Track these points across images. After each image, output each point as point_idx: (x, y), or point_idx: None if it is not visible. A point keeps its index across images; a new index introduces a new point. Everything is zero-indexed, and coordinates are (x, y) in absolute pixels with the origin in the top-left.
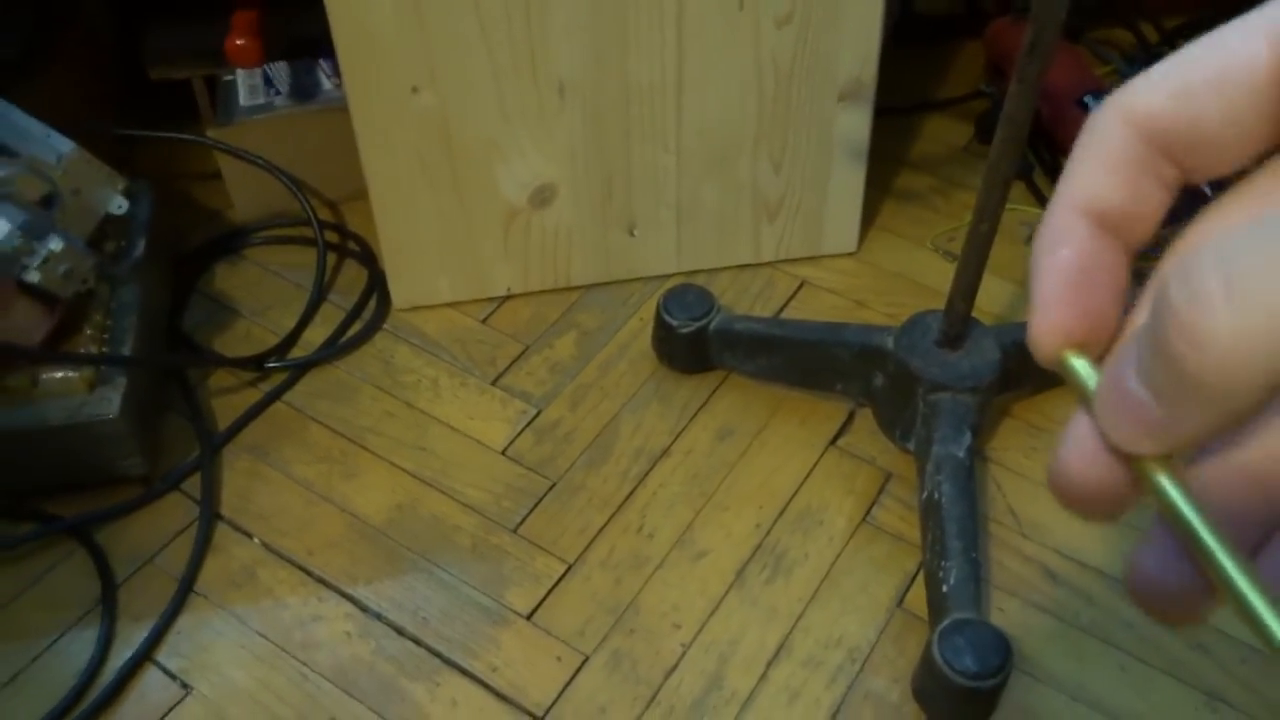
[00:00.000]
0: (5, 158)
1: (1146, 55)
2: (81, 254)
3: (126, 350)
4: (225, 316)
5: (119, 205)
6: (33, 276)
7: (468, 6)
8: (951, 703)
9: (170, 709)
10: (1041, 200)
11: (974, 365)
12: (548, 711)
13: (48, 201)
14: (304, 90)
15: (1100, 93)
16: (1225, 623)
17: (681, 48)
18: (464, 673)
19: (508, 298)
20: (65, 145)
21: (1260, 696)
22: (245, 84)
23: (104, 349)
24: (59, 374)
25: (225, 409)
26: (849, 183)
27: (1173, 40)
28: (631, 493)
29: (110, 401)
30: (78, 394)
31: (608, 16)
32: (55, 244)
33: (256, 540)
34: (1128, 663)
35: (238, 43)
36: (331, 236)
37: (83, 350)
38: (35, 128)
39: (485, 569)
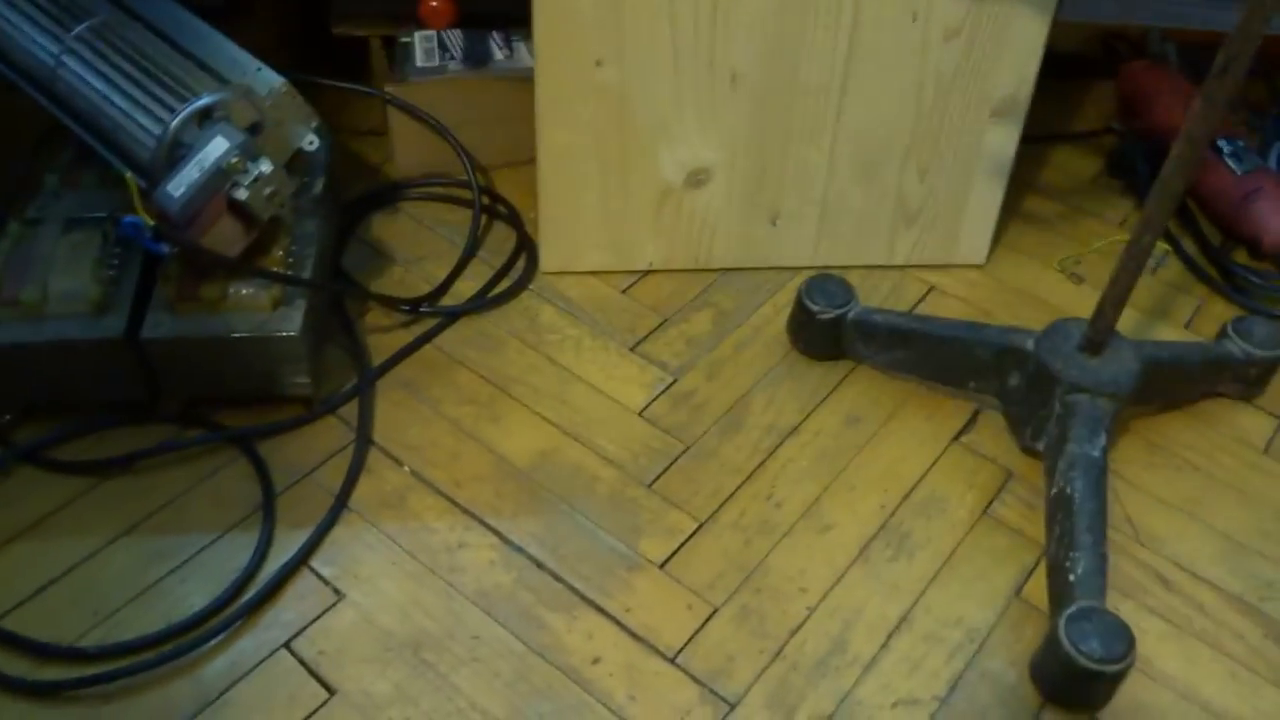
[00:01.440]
0: (221, 83)
1: (1277, 106)
2: (285, 180)
3: (307, 276)
4: (381, 262)
5: (311, 142)
6: (241, 194)
7: None
8: (1073, 685)
9: (326, 610)
10: (1168, 235)
11: (1114, 372)
12: (678, 653)
13: (254, 128)
14: (476, 57)
15: (1232, 138)
16: None
17: (851, 54)
18: (599, 610)
19: (649, 272)
20: (275, 79)
21: None
22: (422, 46)
23: (290, 272)
24: (248, 289)
25: (380, 347)
26: (988, 197)
27: None
28: (762, 463)
29: (292, 320)
30: (263, 310)
31: (789, 16)
32: (265, 166)
33: (407, 468)
34: (1238, 671)
35: (432, 4)
36: (484, 199)
37: (273, 270)
38: (247, 60)
39: (621, 518)
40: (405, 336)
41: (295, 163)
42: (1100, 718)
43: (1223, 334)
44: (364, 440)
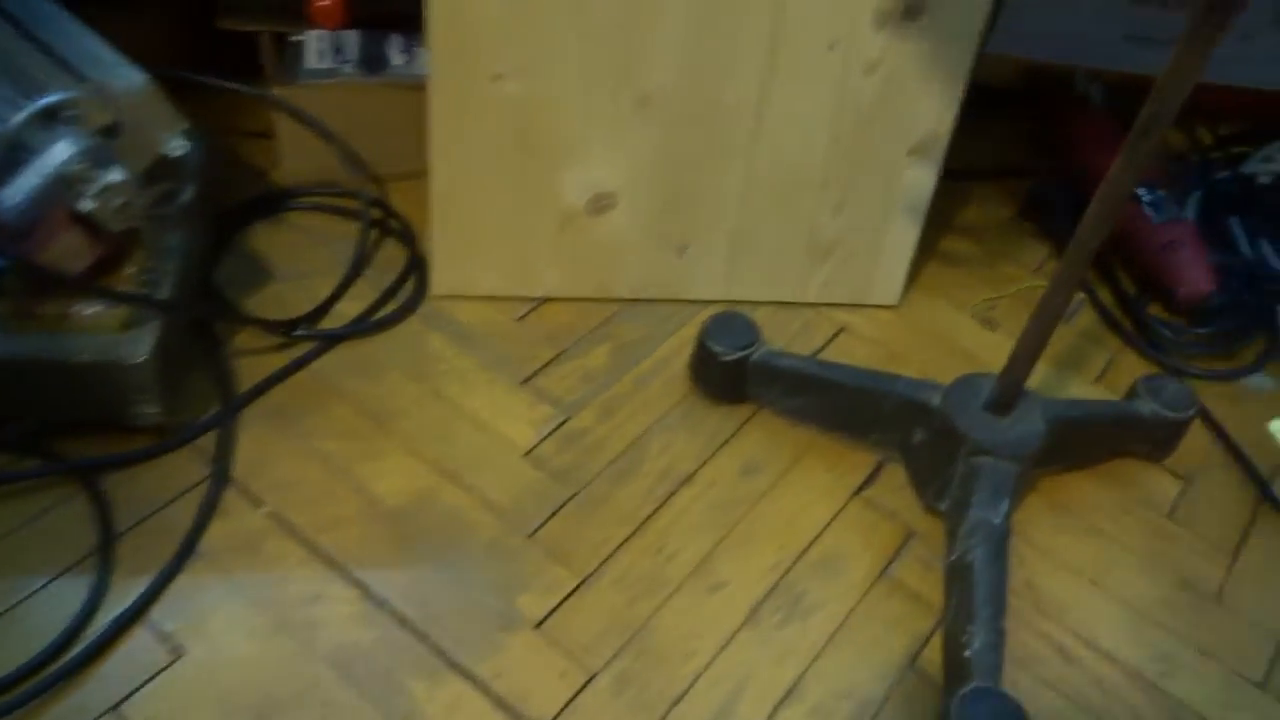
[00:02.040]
0: (74, 79)
1: (1199, 156)
2: (138, 190)
3: (165, 295)
4: (259, 277)
5: (177, 147)
6: (86, 205)
7: (574, 3)
8: None
9: (162, 669)
10: (1084, 284)
11: (1020, 433)
12: None
13: (110, 131)
14: (372, 61)
15: (1153, 186)
16: None
17: (768, 82)
18: (466, 675)
19: (547, 300)
20: (137, 77)
21: None
22: (314, 47)
23: (142, 291)
24: (93, 309)
25: (249, 371)
26: (903, 236)
27: (1225, 145)
28: (653, 513)
29: (141, 344)
30: (110, 331)
31: (705, 40)
32: (115, 175)
33: (266, 509)
34: None
35: (322, 3)
36: (375, 213)
37: (120, 289)
38: (108, 56)
39: (498, 570)
40: (278, 360)
41: (159, 169)
42: None
43: (1133, 393)
44: (221, 477)
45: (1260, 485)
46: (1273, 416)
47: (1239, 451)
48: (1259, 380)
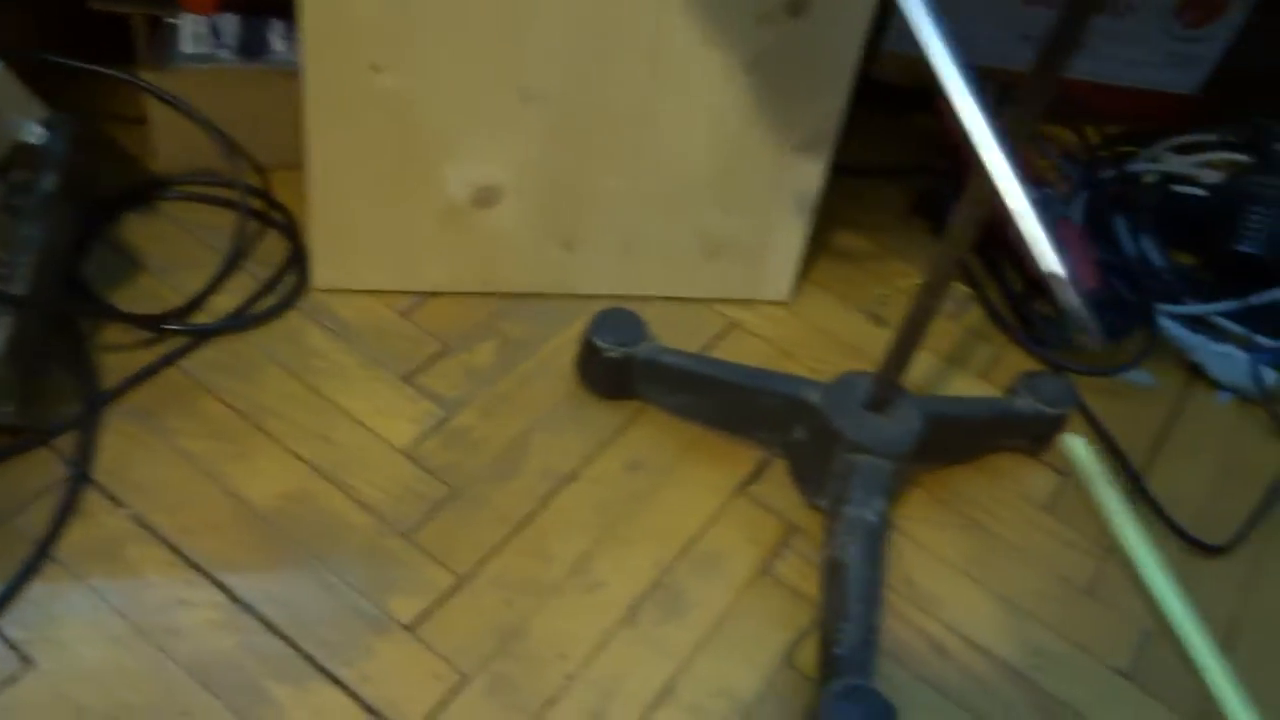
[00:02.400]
0: None
1: (1087, 154)
2: None
3: (20, 289)
4: (129, 270)
5: (35, 134)
6: None
7: None
8: None
9: (8, 682)
10: (972, 280)
11: (897, 432)
12: None
13: None
14: (252, 47)
15: (1040, 185)
16: (1100, 717)
17: (655, 79)
18: (334, 680)
19: (433, 294)
20: None
21: None
22: (190, 30)
23: None
24: None
25: (114, 368)
26: (792, 233)
27: (1112, 145)
28: (533, 513)
29: None
30: None
31: (589, 37)
32: None
33: (128, 511)
34: None
35: None
36: (255, 203)
37: None
38: None
39: (372, 572)
40: (145, 357)
41: (15, 157)
42: None
43: (1013, 389)
44: (79, 478)
45: (1133, 479)
46: (1149, 409)
47: (1115, 446)
48: (1137, 376)
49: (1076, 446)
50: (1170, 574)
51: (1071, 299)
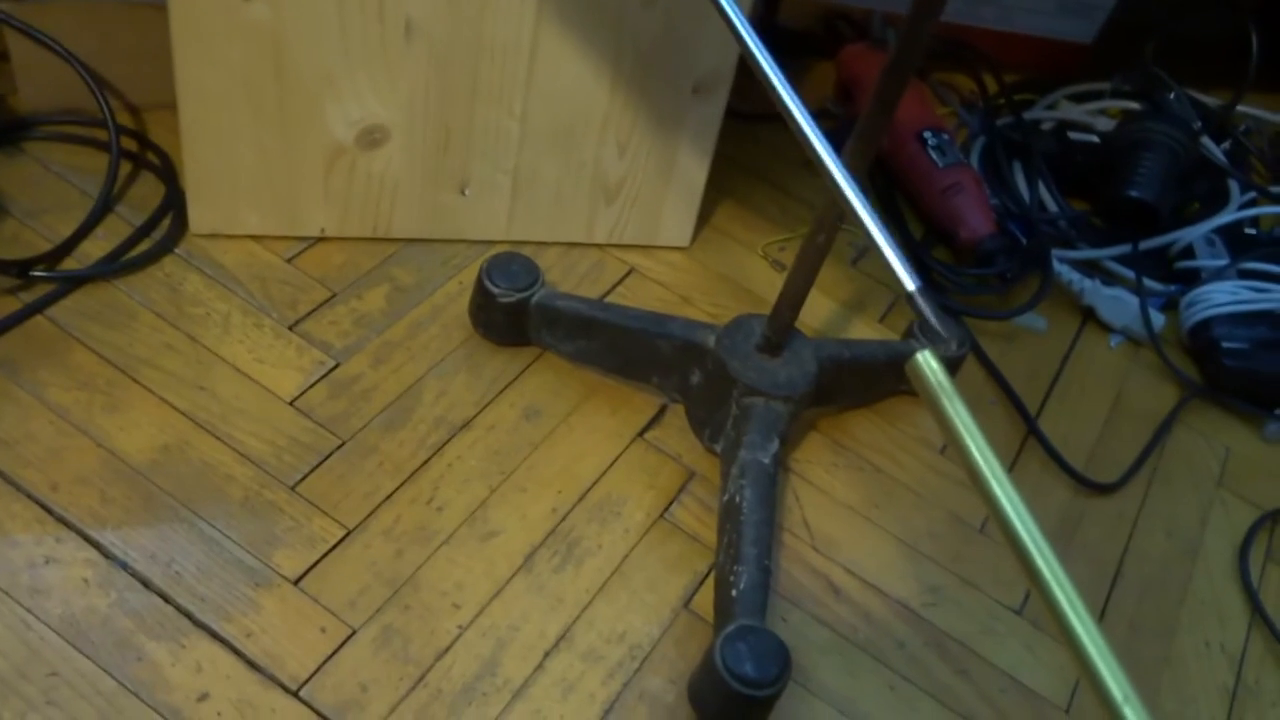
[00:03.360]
0: None
1: (985, 103)
2: None
3: None
4: None
5: None
6: None
7: None
8: (726, 708)
9: None
10: None
11: (790, 375)
12: (303, 685)
13: None
14: None
15: (938, 130)
16: (990, 652)
17: (540, 13)
18: (214, 636)
19: (320, 239)
20: None
21: None
22: None
23: None
24: None
25: None
26: (691, 177)
27: (1010, 93)
28: (426, 462)
29: None
30: None
31: None
32: None
33: None
34: (896, 682)
35: None
36: (129, 144)
37: None
38: None
39: (254, 526)
40: (11, 305)
41: None
42: None
43: (909, 333)
44: None
45: (1027, 420)
46: (1043, 353)
47: (1009, 388)
48: (1031, 319)
49: (925, 361)
50: (1014, 489)
51: (930, 314)
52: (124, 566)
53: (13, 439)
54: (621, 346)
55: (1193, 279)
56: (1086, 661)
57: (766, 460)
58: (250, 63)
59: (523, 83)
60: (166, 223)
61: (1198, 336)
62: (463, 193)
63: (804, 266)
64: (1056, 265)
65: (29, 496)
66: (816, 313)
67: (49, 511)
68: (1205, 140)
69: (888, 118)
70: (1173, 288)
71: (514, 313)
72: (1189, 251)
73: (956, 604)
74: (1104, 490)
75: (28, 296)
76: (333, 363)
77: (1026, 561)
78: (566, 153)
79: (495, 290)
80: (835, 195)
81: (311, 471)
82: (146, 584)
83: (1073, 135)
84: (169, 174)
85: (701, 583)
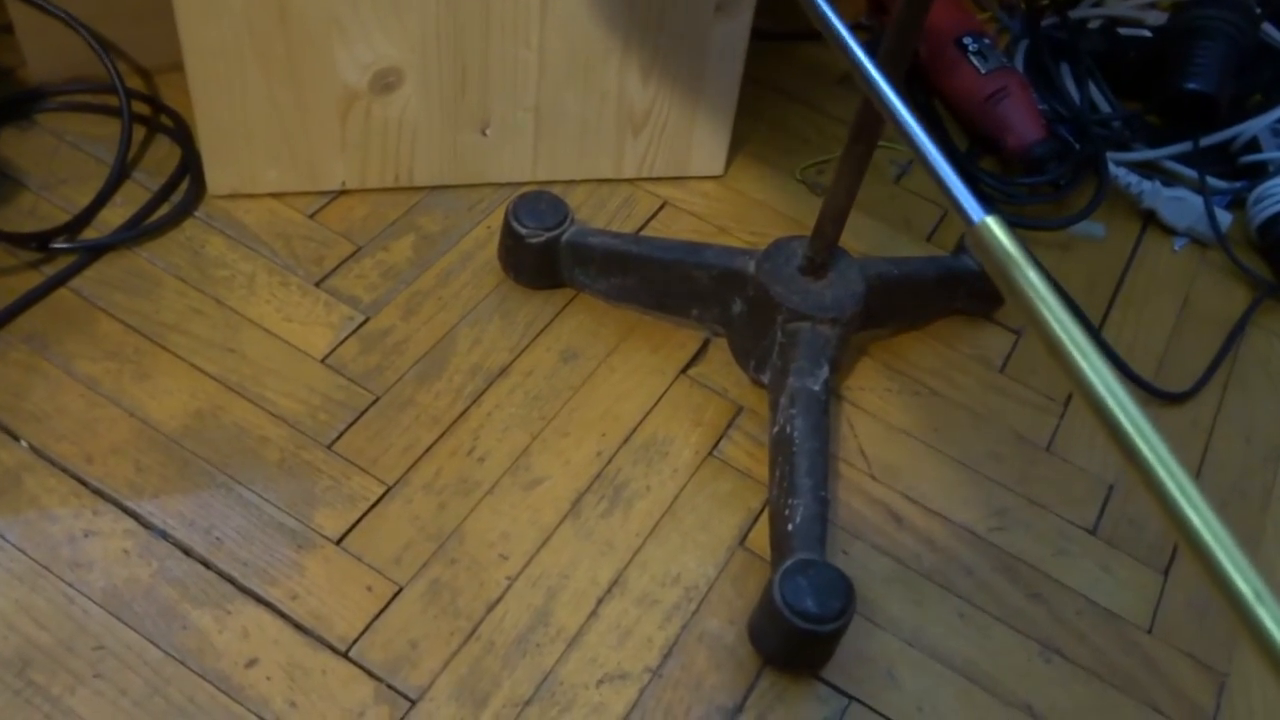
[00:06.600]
0: None
1: (1026, 3)
2: None
3: None
4: (8, 188)
5: None
6: None
7: None
8: (789, 646)
9: None
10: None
11: (837, 296)
12: (352, 645)
13: None
14: None
15: (978, 35)
16: (1063, 574)
17: None
18: (259, 600)
19: (341, 193)
20: None
21: (1092, 647)
22: None
23: None
24: None
25: (0, 293)
26: (720, 101)
27: None
28: (464, 412)
29: None
30: None
31: None
32: None
33: (25, 443)
34: (966, 610)
35: None
36: (142, 108)
37: None
38: None
39: (293, 487)
40: (34, 279)
41: None
42: (824, 674)
43: (959, 248)
44: None
45: (1091, 332)
46: (1103, 261)
47: (1069, 299)
48: (1089, 227)
49: (989, 226)
50: (1100, 359)
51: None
52: (164, 535)
53: (44, 413)
54: (658, 280)
55: (1259, 173)
56: (1201, 547)
57: (816, 387)
58: (254, 10)
59: (537, 11)
60: (184, 186)
61: (1267, 233)
62: (484, 133)
63: (844, 179)
64: (1112, 169)
65: (64, 470)
66: (860, 234)
67: (84, 484)
68: (1266, 25)
69: (922, 13)
70: (1238, 184)
71: (544, 253)
72: (1254, 145)
73: (1025, 526)
74: (1176, 399)
75: (50, 269)
76: (362, 317)
77: (1121, 438)
78: (588, 84)
79: (523, 231)
80: (872, 98)
81: (347, 429)
82: (188, 551)
83: (1122, 31)
84: (184, 136)
85: (756, 519)
